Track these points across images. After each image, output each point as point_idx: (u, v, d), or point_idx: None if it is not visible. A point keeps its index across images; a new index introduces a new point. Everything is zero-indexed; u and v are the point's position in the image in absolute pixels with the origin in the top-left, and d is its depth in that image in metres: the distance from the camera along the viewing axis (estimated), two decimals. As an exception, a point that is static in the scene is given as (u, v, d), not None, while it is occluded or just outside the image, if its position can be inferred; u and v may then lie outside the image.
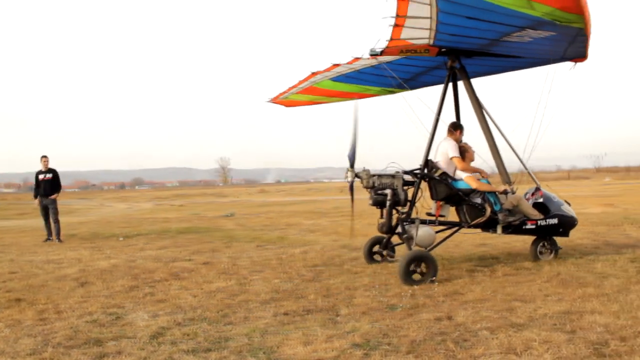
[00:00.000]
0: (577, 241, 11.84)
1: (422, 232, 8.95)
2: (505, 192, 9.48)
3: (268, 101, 14.71)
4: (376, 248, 10.46)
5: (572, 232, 10.21)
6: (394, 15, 7.75)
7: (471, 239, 12.90)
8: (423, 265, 8.36)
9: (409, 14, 7.79)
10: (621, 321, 5.82)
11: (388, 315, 6.50)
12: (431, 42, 9.08)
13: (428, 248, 8.95)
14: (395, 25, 8.12)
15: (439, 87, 10.85)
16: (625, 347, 5.05)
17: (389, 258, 10.24)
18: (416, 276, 8.30)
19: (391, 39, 8.68)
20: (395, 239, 10.17)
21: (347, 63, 10.59)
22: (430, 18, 7.98)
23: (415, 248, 8.80)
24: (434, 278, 8.27)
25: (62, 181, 16.58)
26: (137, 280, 9.14)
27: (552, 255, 9.89)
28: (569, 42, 9.03)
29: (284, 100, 14.70)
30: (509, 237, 12.16)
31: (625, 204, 22.21)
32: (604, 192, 35.06)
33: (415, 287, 7.91)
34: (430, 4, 7.47)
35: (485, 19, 8.12)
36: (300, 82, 12.60)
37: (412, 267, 8.29)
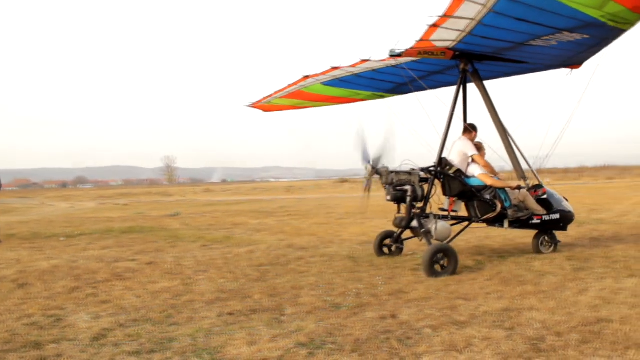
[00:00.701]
0: (517, 240, 12.14)
1: (440, 227, 9.48)
2: (519, 188, 10.16)
3: (248, 106, 14.78)
4: (386, 242, 10.94)
5: (512, 232, 11.05)
6: (440, 14, 8.01)
7: (416, 239, 13.10)
8: (445, 257, 8.82)
9: (455, 14, 8.04)
10: (557, 317, 6.03)
11: (333, 314, 6.56)
12: (453, 45, 9.49)
13: (445, 241, 9.41)
14: (433, 25, 8.42)
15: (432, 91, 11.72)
16: (560, 342, 5.24)
17: (397, 251, 10.81)
18: (437, 267, 8.73)
19: (420, 40, 9.07)
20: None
21: (351, 65, 10.75)
22: (473, 20, 8.28)
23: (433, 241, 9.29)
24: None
25: (1, 179, 16.14)
26: (79, 281, 8.97)
27: (552, 248, 10.45)
28: (592, 46, 9.72)
29: (265, 104, 14.69)
30: (475, 236, 12.47)
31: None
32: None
33: (360, 286, 8.00)
34: (485, 5, 7.73)
35: (533, 21, 8.41)
36: (289, 85, 12.70)
37: (435, 259, 8.72)
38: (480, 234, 13.63)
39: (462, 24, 8.48)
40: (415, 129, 10.87)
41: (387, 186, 9.97)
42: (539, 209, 10.15)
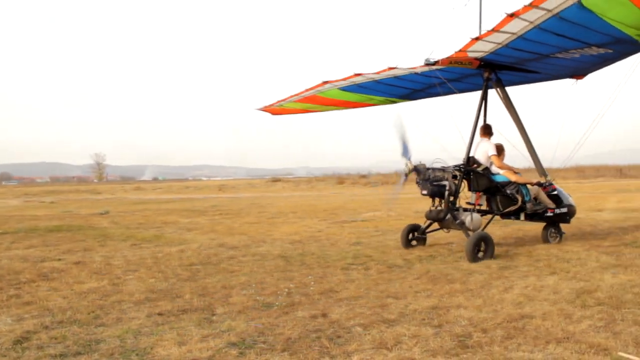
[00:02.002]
0: (448, 239, 12.39)
1: (475, 218, 10.58)
2: (540, 184, 11.36)
3: (258, 109, 15.39)
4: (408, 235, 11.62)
5: (441, 232, 11.68)
6: (489, 29, 8.83)
7: (346, 239, 13.23)
8: (483, 244, 9.85)
9: (502, 29, 8.82)
10: (483, 314, 6.19)
11: (264, 313, 6.54)
12: (484, 55, 10.41)
13: (478, 230, 10.46)
14: (476, 38, 9.42)
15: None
16: (486, 338, 5.37)
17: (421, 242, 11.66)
18: (480, 254, 9.76)
19: (460, 50, 10.06)
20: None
21: (376, 72, 11.45)
22: (514, 34, 9.11)
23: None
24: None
25: None
26: (1, 281, 8.65)
27: (558, 239, 11.64)
28: (609, 60, 10.78)
29: (277, 108, 15.20)
30: (382, 236, 12.72)
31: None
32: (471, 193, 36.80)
33: (292, 285, 8.01)
34: (532, 22, 8.51)
35: (571, 36, 9.28)
36: (306, 90, 13.31)
37: (477, 246, 9.74)
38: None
39: (502, 38, 9.33)
40: (432, 131, 11.89)
41: (423, 182, 10.85)
42: (550, 203, 11.33)
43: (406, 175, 10.87)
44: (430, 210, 11.08)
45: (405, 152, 10.72)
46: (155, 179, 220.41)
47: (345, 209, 23.84)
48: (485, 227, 10.97)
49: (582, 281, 7.78)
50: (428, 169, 10.86)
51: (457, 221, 10.55)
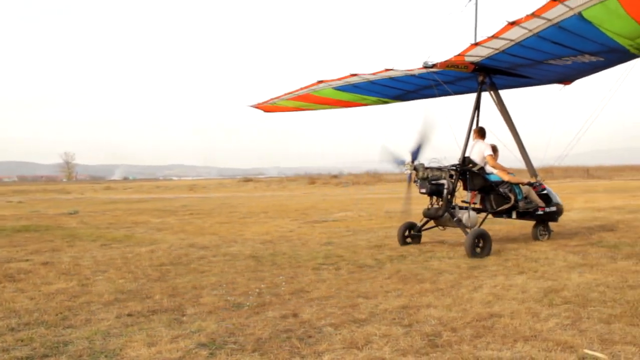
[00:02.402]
0: (434, 237, 12.48)
1: (472, 215, 11.12)
2: (530, 184, 11.85)
3: (251, 106, 15.56)
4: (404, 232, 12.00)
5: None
6: (489, 35, 9.23)
7: (318, 239, 13.24)
8: (481, 240, 10.26)
9: (503, 35, 9.24)
10: (453, 313, 6.24)
11: (235, 313, 6.52)
12: (480, 60, 10.88)
13: (475, 227, 10.96)
14: (475, 43, 9.83)
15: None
16: (455, 337, 5.42)
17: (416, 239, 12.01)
18: (478, 250, 10.16)
19: (459, 54, 10.53)
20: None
21: (372, 73, 11.77)
22: (513, 41, 9.53)
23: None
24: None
25: None
26: (-34, 283, 8.51)
27: (547, 236, 12.17)
28: (599, 67, 11.27)
29: (270, 105, 15.42)
30: (353, 236, 12.78)
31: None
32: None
33: (262, 286, 8.00)
34: (531, 30, 8.92)
35: (567, 45, 9.70)
36: (301, 88, 13.61)
37: (476, 242, 10.16)
38: (381, 233, 13.92)
39: (500, 44, 9.77)
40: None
41: (421, 181, 11.31)
42: (541, 202, 11.82)
43: (409, 174, 11.40)
44: (429, 208, 11.53)
45: (415, 152, 11.19)
46: (125, 179, 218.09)
47: (316, 209, 23.87)
48: (480, 224, 11.51)
49: (549, 280, 7.90)
50: (426, 168, 11.29)
51: (455, 219, 10.96)
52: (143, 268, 9.60)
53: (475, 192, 11.60)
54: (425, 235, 12.24)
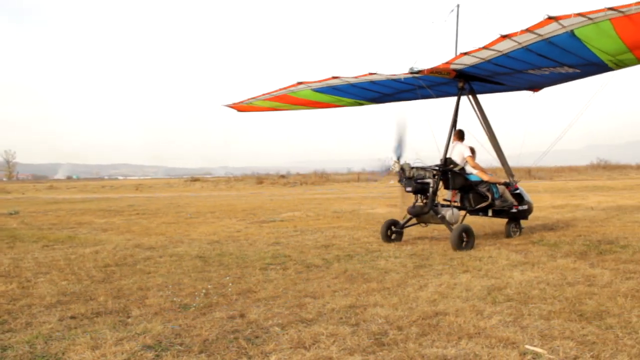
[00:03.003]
0: (363, 239, 12.59)
1: (455, 212, 11.80)
2: (506, 184, 12.60)
3: (226, 105, 15.81)
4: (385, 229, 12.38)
5: (359, 233, 12.46)
6: (480, 46, 9.69)
7: (265, 239, 13.21)
8: (465, 234, 10.93)
9: (493, 47, 9.70)
10: (399, 312, 6.32)
11: (181, 315, 6.46)
12: (463, 68, 11.42)
13: (456, 224, 11.53)
14: (465, 53, 10.28)
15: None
16: (401, 335, 5.49)
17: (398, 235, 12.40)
18: (464, 243, 10.84)
19: (446, 62, 11.13)
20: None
21: (354, 77, 12.15)
22: (500, 52, 10.01)
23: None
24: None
25: None
26: None
27: (518, 233, 12.85)
28: (572, 77, 12.02)
29: (245, 105, 15.66)
30: (301, 236, 12.81)
31: (407, 205, 23.83)
32: (389, 193, 37.45)
33: (209, 286, 7.94)
34: (520, 43, 9.39)
35: (551, 57, 10.23)
36: (279, 89, 13.85)
37: (462, 236, 10.81)
38: (328, 233, 13.97)
39: (488, 54, 10.21)
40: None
41: (407, 180, 11.86)
42: (513, 200, 12.53)
43: (398, 173, 11.94)
44: (414, 206, 12.08)
45: (397, 151, 11.75)
46: (69, 178, 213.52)
47: (264, 209, 23.81)
48: (461, 221, 12.13)
49: (493, 278, 8.06)
50: (412, 168, 11.86)
51: (439, 215, 11.58)
52: (87, 269, 9.42)
53: (456, 191, 12.28)
54: (372, 236, 12.33)
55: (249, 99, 15.17)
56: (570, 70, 11.18)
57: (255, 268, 9.35)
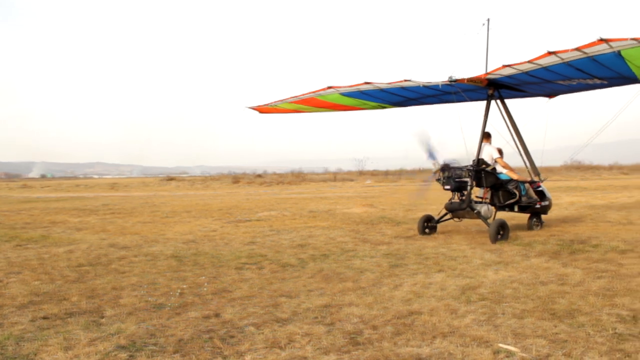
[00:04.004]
0: (339, 239, 12.60)
1: (489, 208, 12.86)
2: (531, 182, 13.57)
3: (250, 107, 16.30)
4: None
5: (335, 232, 12.69)
6: (526, 60, 10.23)
7: (241, 238, 13.18)
8: (501, 228, 11.92)
9: (537, 61, 10.17)
10: (374, 311, 6.35)
11: (155, 314, 6.43)
12: (497, 77, 12.08)
13: (490, 218, 12.74)
14: (508, 65, 10.77)
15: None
16: (376, 334, 5.52)
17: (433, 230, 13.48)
18: (499, 236, 11.76)
19: (489, 72, 11.92)
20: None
21: (388, 83, 12.50)
22: (541, 65, 10.50)
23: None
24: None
25: None
26: None
27: (539, 227, 13.78)
28: (595, 87, 12.61)
29: (270, 107, 16.06)
30: (277, 236, 12.82)
31: (383, 205, 23.96)
32: (365, 193, 37.56)
33: (184, 286, 7.92)
34: (563, 59, 9.89)
35: (587, 71, 10.71)
36: (309, 92, 14.16)
37: (499, 230, 11.80)
38: (304, 233, 13.98)
39: (528, 67, 10.73)
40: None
41: (446, 179, 12.86)
42: (536, 197, 13.50)
43: (434, 173, 13.07)
44: (451, 202, 12.99)
45: (432, 156, 12.89)
46: (43, 177, 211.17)
47: (240, 208, 23.74)
48: (494, 216, 13.15)
49: (467, 278, 8.13)
50: (451, 168, 12.87)
51: (475, 211, 12.54)
52: (60, 269, 9.33)
53: (487, 189, 13.24)
54: (348, 235, 12.35)
55: (274, 102, 15.53)
56: (599, 81, 11.71)
57: (230, 268, 9.33)
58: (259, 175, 79.75)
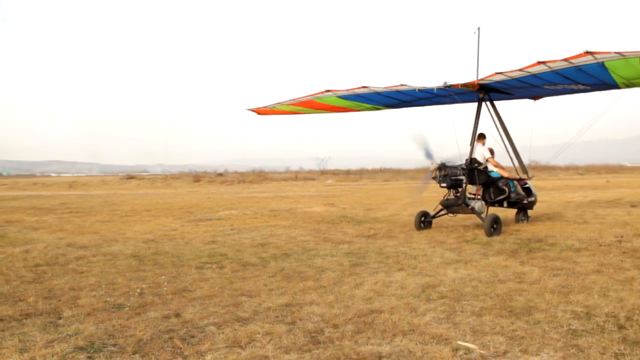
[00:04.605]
0: (300, 238, 12.61)
1: (482, 204, 13.85)
2: (519, 180, 14.61)
3: (249, 109, 17.22)
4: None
5: (296, 231, 12.85)
6: (516, 68, 11.15)
7: (202, 237, 13.10)
8: (495, 222, 12.75)
9: (528, 69, 11.01)
10: (335, 310, 6.38)
11: (115, 315, 6.36)
12: (488, 82, 13.06)
13: (484, 213, 13.71)
14: (499, 73, 11.70)
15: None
16: (337, 333, 5.55)
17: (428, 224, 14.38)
18: (492, 230, 12.60)
19: (481, 78, 12.86)
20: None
21: (385, 87, 13.55)
22: (530, 73, 11.35)
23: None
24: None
25: None
26: None
27: (526, 221, 14.92)
28: (577, 92, 13.45)
29: (268, 109, 16.83)
30: (238, 235, 12.79)
31: (344, 204, 24.07)
32: (326, 192, 37.64)
33: (144, 286, 7.84)
34: (552, 68, 10.72)
35: (574, 79, 11.65)
36: (307, 95, 15.01)
37: (493, 224, 12.62)
38: (265, 232, 13.96)
39: (518, 74, 11.60)
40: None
41: (443, 177, 13.65)
42: (523, 194, 14.59)
43: (431, 172, 13.82)
44: (447, 199, 13.93)
45: (429, 155, 13.64)
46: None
47: (201, 207, 23.57)
48: (487, 212, 14.08)
49: (427, 276, 8.22)
50: (447, 167, 13.66)
51: (470, 207, 13.50)
52: (16, 269, 9.15)
53: (480, 186, 14.08)
54: (309, 234, 12.35)
55: (273, 104, 16.36)
56: (582, 87, 12.66)
57: (191, 267, 9.27)
58: (220, 174, 79.11)
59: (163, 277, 8.47)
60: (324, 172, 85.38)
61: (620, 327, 5.62)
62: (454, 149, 14.32)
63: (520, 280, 7.87)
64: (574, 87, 12.76)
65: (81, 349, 5.19)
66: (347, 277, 8.26)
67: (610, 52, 9.51)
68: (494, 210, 14.80)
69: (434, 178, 13.88)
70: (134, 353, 5.08)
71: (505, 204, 14.45)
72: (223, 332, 5.64)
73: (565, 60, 10.09)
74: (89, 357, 4.98)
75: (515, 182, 14.41)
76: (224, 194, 36.32)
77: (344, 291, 7.35)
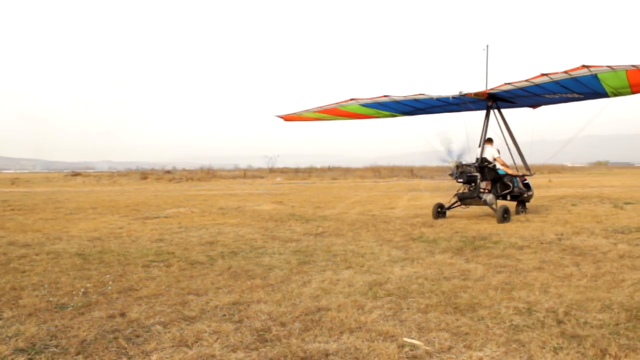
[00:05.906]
0: (248, 236, 12.57)
1: (493, 196, 16.09)
2: (520, 176, 16.93)
3: (278, 116, 18.49)
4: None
5: (244, 229, 13.04)
6: (523, 79, 13.05)
7: (149, 235, 12.94)
8: (505, 212, 14.98)
9: (532, 80, 12.91)
10: (282, 308, 6.38)
11: (58, 315, 6.23)
12: (496, 92, 15.01)
13: (494, 205, 15.93)
14: (508, 83, 13.63)
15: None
16: (284, 331, 5.56)
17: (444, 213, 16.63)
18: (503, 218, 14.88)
19: (492, 88, 14.86)
20: None
21: (404, 96, 15.34)
22: (534, 83, 13.21)
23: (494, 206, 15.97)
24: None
25: None
26: None
27: (524, 212, 17.05)
28: (572, 100, 15.17)
29: (296, 116, 18.19)
30: (185, 233, 12.69)
31: (292, 202, 24.08)
32: (275, 190, 37.60)
33: (89, 285, 7.70)
34: (554, 79, 12.58)
35: (570, 88, 13.48)
36: (332, 103, 16.60)
37: (504, 213, 14.85)
38: (213, 230, 13.86)
39: (524, 84, 13.51)
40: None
41: (460, 173, 15.89)
42: (524, 189, 16.94)
43: (454, 170, 15.87)
44: (463, 193, 16.22)
45: (450, 154, 15.71)
46: None
47: (148, 205, 23.27)
48: (496, 203, 16.16)
49: (374, 274, 8.29)
50: (463, 165, 15.81)
51: (482, 199, 15.75)
52: (-46, 268, 8.88)
53: (489, 181, 16.19)
54: (257, 232, 12.30)
55: (300, 111, 17.77)
56: (576, 95, 14.44)
57: (137, 265, 9.15)
58: (168, 172, 78.18)
59: (108, 275, 8.34)
60: (272, 170, 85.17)
61: (559, 322, 5.78)
62: (466, 150, 16.17)
63: (465, 277, 8.02)
64: (569, 95, 14.53)
65: (22, 350, 5.07)
66: (294, 275, 8.28)
67: (602, 66, 11.24)
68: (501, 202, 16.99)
69: (451, 174, 16.05)
70: (77, 354, 4.99)
71: (508, 197, 16.74)
72: (169, 332, 5.59)
73: (565, 72, 11.98)
74: (30, 359, 4.87)
75: (518, 179, 16.67)
76: (172, 192, 35.92)
77: (291, 289, 7.37)
